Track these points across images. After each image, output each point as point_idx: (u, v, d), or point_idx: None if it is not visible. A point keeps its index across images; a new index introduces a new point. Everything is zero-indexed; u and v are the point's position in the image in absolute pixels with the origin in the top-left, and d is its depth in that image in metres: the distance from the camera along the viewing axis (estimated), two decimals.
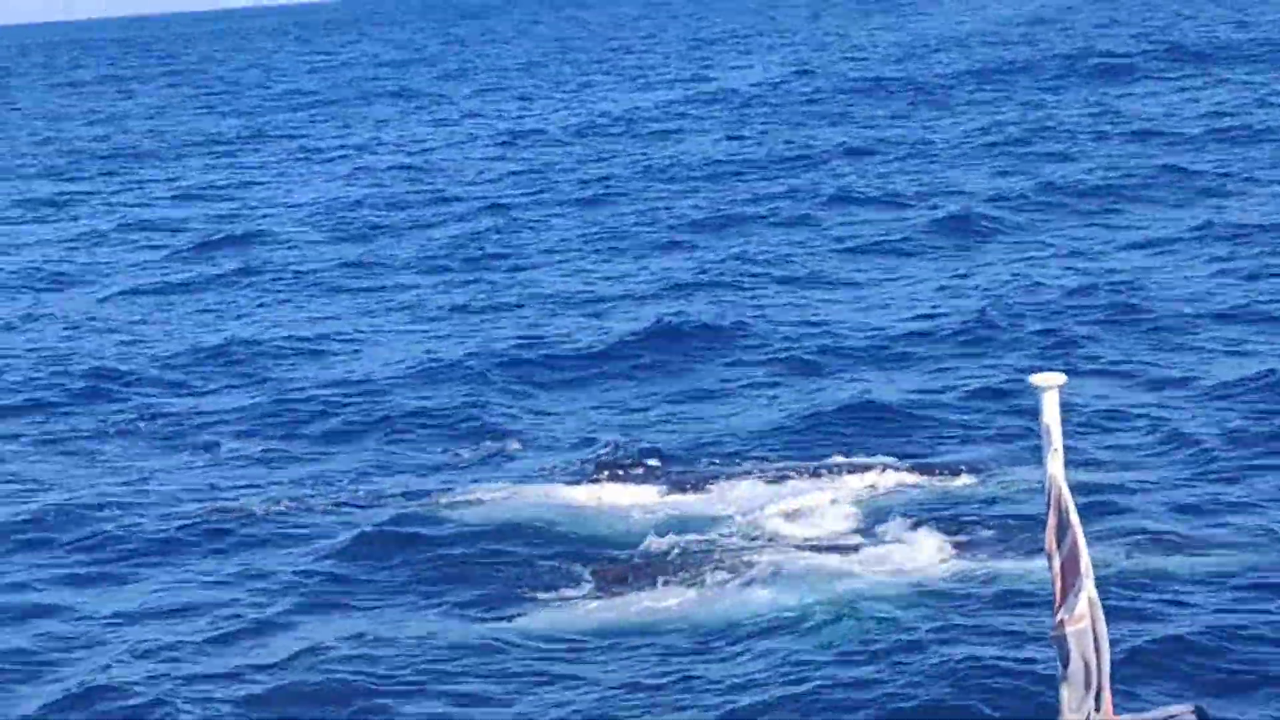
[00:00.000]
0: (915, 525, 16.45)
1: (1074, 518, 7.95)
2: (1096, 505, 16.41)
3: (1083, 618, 8.00)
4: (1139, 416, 19.75)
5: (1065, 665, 7.84)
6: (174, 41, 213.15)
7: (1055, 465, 7.85)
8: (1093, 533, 15.50)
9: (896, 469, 18.35)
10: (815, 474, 18.32)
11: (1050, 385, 7.78)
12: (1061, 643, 8.00)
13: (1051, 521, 8.03)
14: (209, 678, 14.26)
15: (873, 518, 16.88)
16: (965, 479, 17.91)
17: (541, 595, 15.67)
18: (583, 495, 18.24)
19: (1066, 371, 21.28)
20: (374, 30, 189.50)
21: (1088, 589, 8.00)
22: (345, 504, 18.83)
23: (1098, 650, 8.03)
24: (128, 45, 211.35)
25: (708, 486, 18.18)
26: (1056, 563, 8.06)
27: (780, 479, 18.20)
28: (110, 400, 24.72)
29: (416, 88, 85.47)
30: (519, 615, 15.23)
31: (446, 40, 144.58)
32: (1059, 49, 69.24)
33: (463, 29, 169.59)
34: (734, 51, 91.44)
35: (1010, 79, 59.41)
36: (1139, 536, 15.68)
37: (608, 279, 31.19)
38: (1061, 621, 8.01)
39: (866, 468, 18.38)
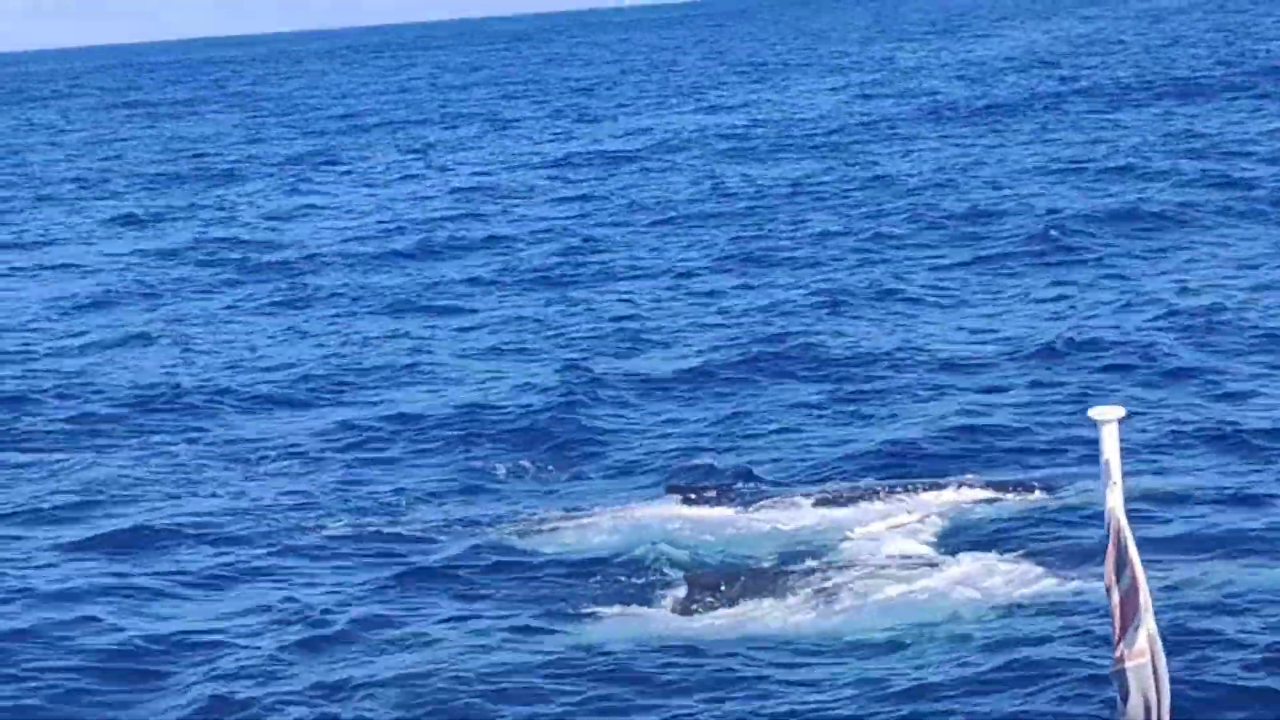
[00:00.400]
0: (997, 545, 16.42)
1: (1133, 553, 7.88)
2: (1179, 525, 16.59)
3: (1142, 653, 7.93)
4: (1219, 436, 19.65)
5: (1125, 701, 7.79)
6: (225, 65, 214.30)
7: (1114, 499, 7.77)
8: (1176, 551, 15.66)
9: (975, 486, 18.30)
10: (893, 492, 18.28)
11: (1109, 419, 7.69)
12: (1121, 678, 7.94)
13: (1110, 556, 7.96)
14: (301, 690, 14.37)
15: (953, 537, 16.87)
16: (1047, 497, 17.85)
17: (626, 608, 15.72)
18: (664, 513, 18.24)
19: (1144, 387, 21.30)
20: (424, 55, 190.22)
21: (1147, 624, 7.93)
22: (425, 523, 18.91)
23: (1158, 685, 7.97)
24: (180, 68, 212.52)
25: (787, 505, 18.14)
26: (1116, 597, 8.00)
27: (860, 498, 18.18)
28: (193, 417, 24.93)
29: (478, 110, 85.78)
30: (604, 628, 15.29)
31: (505, 63, 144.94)
32: (1120, 71, 69.01)
33: (513, 53, 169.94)
34: (792, 76, 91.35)
35: (1075, 101, 59.19)
36: (1222, 556, 15.68)
37: (685, 301, 31.21)
38: (1121, 656, 7.95)
39: (946, 486, 18.33)
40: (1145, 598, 7.91)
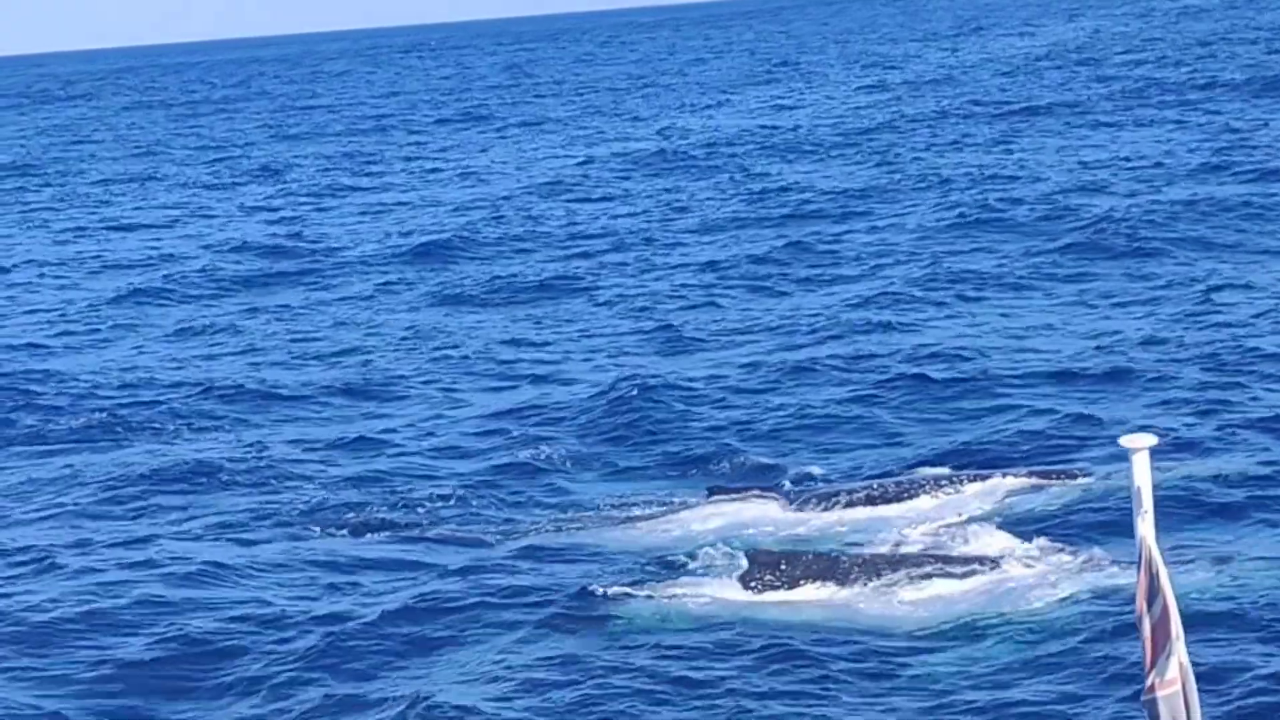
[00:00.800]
0: (1053, 535, 16.52)
1: (1165, 581, 7.80)
2: (1247, 516, 16.80)
3: (1174, 682, 7.85)
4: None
5: None
6: (249, 64, 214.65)
7: (1145, 527, 7.69)
8: (1246, 541, 15.76)
9: (1032, 477, 18.38)
10: (946, 485, 18.39)
11: (1140, 446, 7.61)
12: (1152, 707, 7.85)
13: (1142, 584, 7.87)
14: (358, 677, 14.67)
15: (1009, 527, 16.94)
16: (1102, 485, 17.96)
17: (695, 591, 15.90)
18: (716, 509, 18.37)
19: (1208, 375, 21.25)
20: (451, 55, 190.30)
21: (1178, 652, 7.85)
22: (474, 516, 19.16)
23: (1189, 715, 7.88)
24: (204, 69, 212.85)
25: (842, 498, 18.28)
26: (1147, 626, 7.92)
27: (914, 491, 18.29)
28: (244, 410, 25.22)
29: (514, 108, 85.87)
30: (659, 608, 15.54)
31: (531, 63, 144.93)
32: (1160, 69, 68.64)
33: (538, 53, 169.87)
34: (828, 75, 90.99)
35: (1116, 99, 58.75)
36: None
37: (734, 298, 31.22)
38: (1152, 685, 7.86)
39: (998, 477, 18.43)
40: (1177, 626, 7.83)
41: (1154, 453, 17.92)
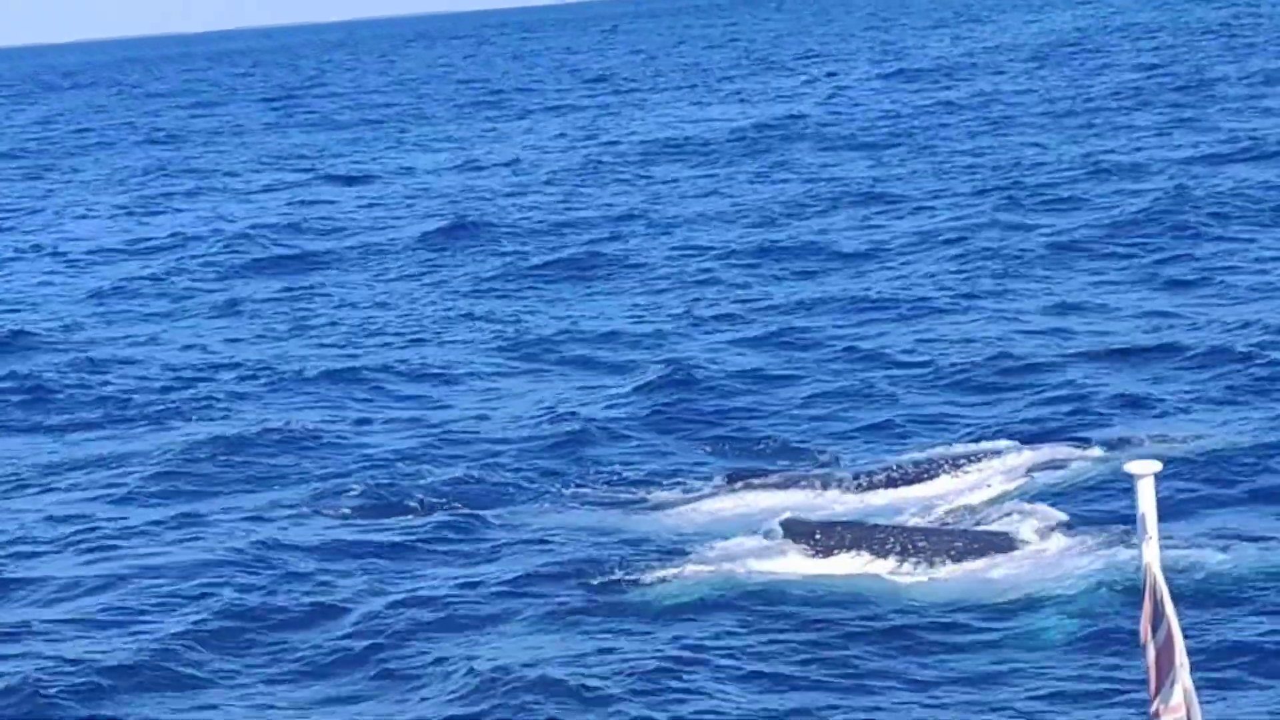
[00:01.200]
0: (1092, 512, 16.63)
1: (1169, 606, 7.77)
2: None
3: (1179, 708, 7.82)
4: None
5: None
6: (251, 54, 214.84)
7: (1150, 553, 7.67)
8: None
9: (1064, 455, 18.51)
10: (966, 463, 18.54)
11: (1145, 472, 7.58)
12: None
13: (1146, 610, 7.85)
14: (398, 652, 14.83)
15: (1039, 504, 16.99)
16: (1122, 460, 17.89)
17: (728, 566, 16.02)
18: (752, 489, 18.53)
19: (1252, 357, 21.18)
20: (455, 44, 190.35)
21: (1183, 679, 7.82)
22: (495, 509, 19.10)
23: None
24: (202, 60, 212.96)
25: (870, 479, 18.44)
26: (1151, 652, 7.90)
27: (937, 470, 18.46)
28: (283, 393, 25.36)
29: (532, 97, 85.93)
30: (705, 586, 15.64)
31: (535, 53, 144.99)
32: (1172, 58, 68.48)
33: (541, 44, 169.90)
34: (839, 66, 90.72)
35: (1131, 87, 58.61)
36: None
37: (768, 290, 31.04)
38: (1157, 711, 7.84)
39: (1027, 454, 18.58)
40: (1181, 653, 7.80)
41: (1194, 433, 17.95)
